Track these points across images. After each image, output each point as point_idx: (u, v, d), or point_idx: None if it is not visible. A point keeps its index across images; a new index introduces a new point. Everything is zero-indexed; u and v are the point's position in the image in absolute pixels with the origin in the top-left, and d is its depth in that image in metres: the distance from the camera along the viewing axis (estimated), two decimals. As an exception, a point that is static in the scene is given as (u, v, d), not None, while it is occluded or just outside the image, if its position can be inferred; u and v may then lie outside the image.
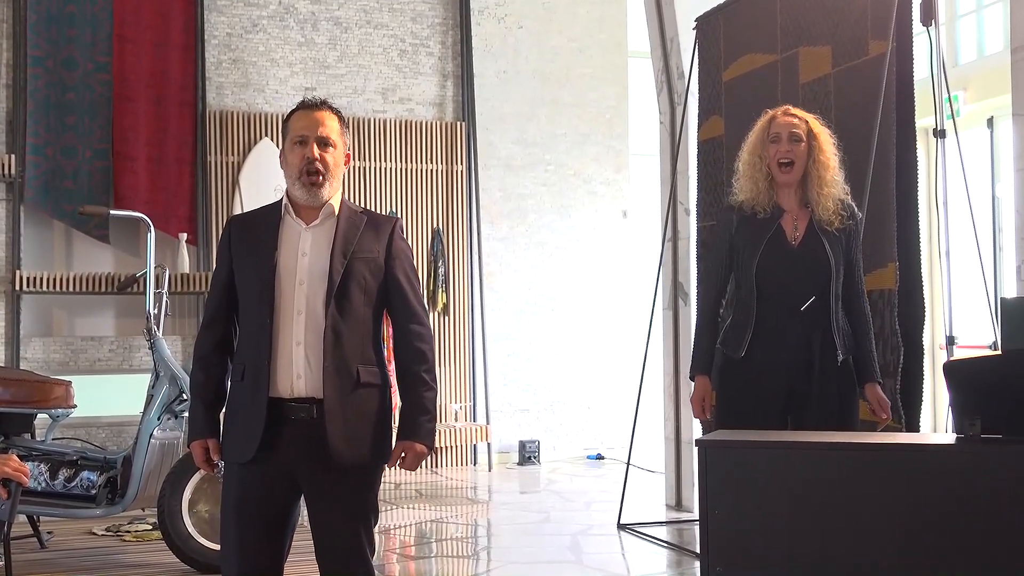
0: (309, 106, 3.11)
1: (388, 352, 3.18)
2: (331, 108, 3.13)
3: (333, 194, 3.08)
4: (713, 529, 2.87)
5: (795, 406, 3.84)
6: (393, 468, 3.09)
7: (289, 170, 3.06)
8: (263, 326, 2.97)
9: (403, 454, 3.05)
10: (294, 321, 2.97)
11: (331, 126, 3.07)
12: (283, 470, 2.98)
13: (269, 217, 3.10)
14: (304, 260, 3.00)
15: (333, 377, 2.95)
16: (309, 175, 3.01)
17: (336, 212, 3.08)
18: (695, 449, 6.82)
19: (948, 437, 2.92)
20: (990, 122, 7.48)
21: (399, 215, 8.56)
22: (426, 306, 3.24)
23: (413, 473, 8.06)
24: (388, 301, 3.10)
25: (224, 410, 3.10)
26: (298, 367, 2.96)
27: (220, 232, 7.98)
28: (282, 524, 3.05)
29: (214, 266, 7.92)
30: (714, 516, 2.86)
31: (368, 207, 7.85)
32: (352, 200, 7.67)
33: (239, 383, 3.02)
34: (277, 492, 3.00)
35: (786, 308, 3.83)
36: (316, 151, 3.02)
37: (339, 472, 2.97)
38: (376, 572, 3.10)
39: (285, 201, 3.10)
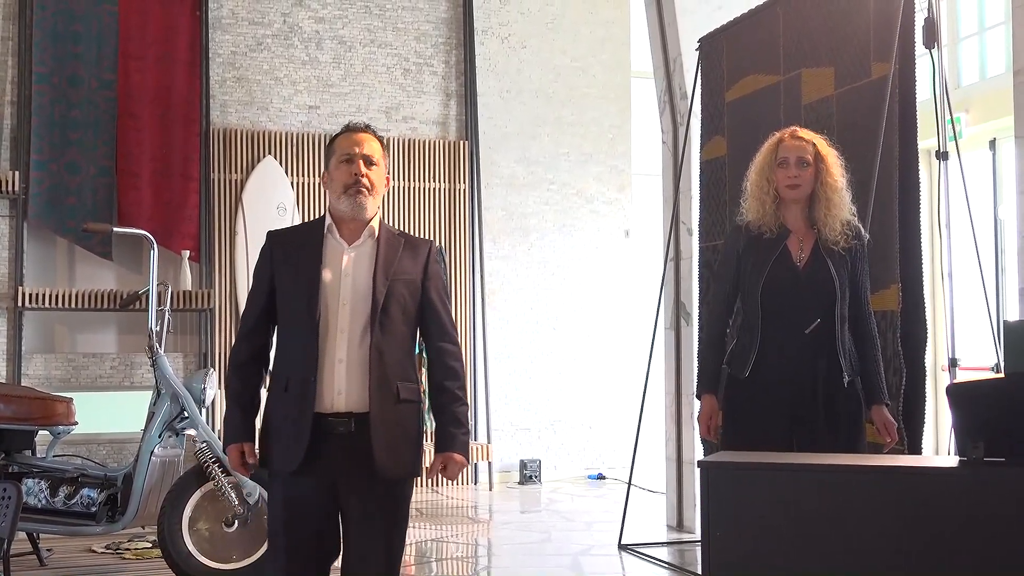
0: (354, 129, 3.28)
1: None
2: (374, 133, 3.30)
3: (375, 212, 3.22)
4: (715, 550, 2.86)
5: (801, 427, 3.83)
6: (429, 480, 3.26)
7: (334, 186, 3.19)
8: (308, 343, 3.07)
9: (443, 465, 3.19)
10: (337, 340, 3.08)
11: (374, 147, 3.23)
12: (326, 483, 3.10)
13: (311, 235, 3.21)
14: (347, 281, 3.14)
15: (377, 393, 3.06)
16: (356, 190, 3.15)
17: (376, 233, 3.20)
18: (696, 469, 6.77)
19: (951, 460, 2.91)
20: (992, 144, 7.49)
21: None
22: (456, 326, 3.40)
23: (413, 492, 8.04)
24: (422, 321, 3.24)
25: (263, 422, 3.20)
26: (340, 383, 3.07)
27: (223, 249, 8.04)
28: (329, 535, 3.17)
29: (216, 283, 7.96)
30: (716, 537, 2.85)
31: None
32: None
33: (283, 395, 3.12)
34: (321, 504, 3.12)
35: (790, 329, 3.83)
36: (362, 167, 3.17)
37: (379, 483, 3.10)
38: None
39: (328, 220, 3.21)
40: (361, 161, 3.16)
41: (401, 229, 3.54)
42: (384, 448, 3.05)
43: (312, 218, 3.10)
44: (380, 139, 3.28)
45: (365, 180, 3.14)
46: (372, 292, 3.10)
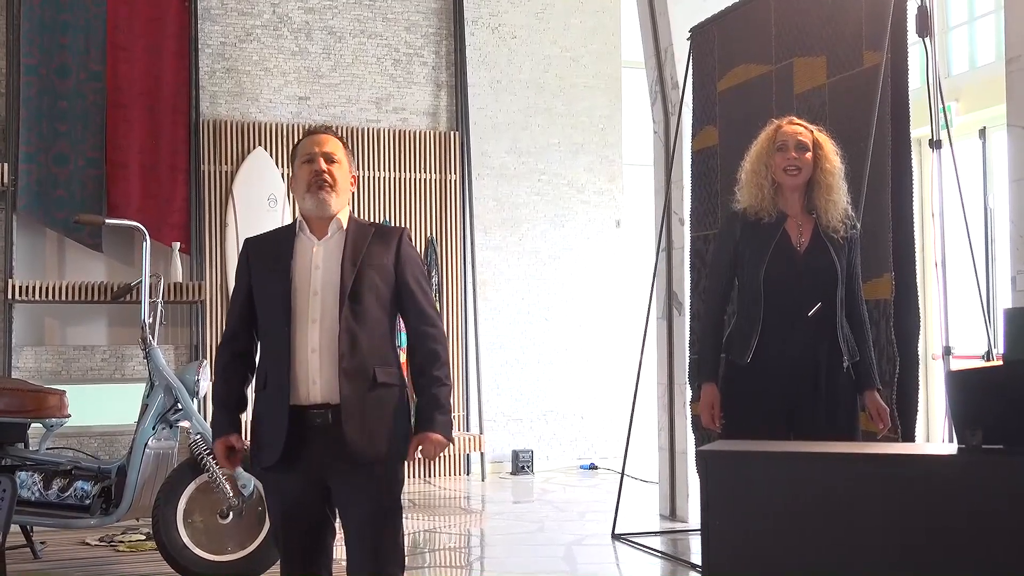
0: (314, 131, 3.33)
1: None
2: (335, 133, 3.34)
3: (341, 208, 3.26)
4: (713, 539, 2.86)
5: (801, 411, 3.84)
6: (412, 463, 3.24)
7: (298, 185, 3.24)
8: (281, 336, 3.12)
9: (420, 446, 3.19)
10: (309, 329, 3.12)
11: (336, 146, 3.27)
12: (314, 475, 3.14)
13: (284, 236, 3.28)
14: (317, 273, 3.18)
15: (349, 378, 3.09)
16: (318, 186, 3.18)
17: (345, 226, 3.25)
18: (689, 459, 6.78)
19: (950, 447, 2.92)
20: (982, 133, 7.50)
21: (393, 224, 8.56)
22: (437, 309, 3.42)
23: (405, 483, 8.05)
24: (401, 306, 3.25)
25: (251, 419, 3.27)
26: (313, 373, 3.10)
27: (213, 241, 8.02)
28: (325, 526, 3.23)
29: (206, 275, 7.94)
30: (714, 526, 2.85)
31: (361, 216, 7.85)
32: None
33: (262, 391, 3.19)
34: (315, 497, 3.18)
35: (792, 314, 3.84)
36: (323, 164, 3.22)
37: (360, 467, 3.11)
38: None
39: (299, 219, 3.28)
40: (321, 159, 3.21)
41: (375, 221, 3.56)
42: (357, 431, 3.08)
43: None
44: (342, 139, 3.32)
45: (327, 176, 3.19)
46: (340, 278, 3.13)
